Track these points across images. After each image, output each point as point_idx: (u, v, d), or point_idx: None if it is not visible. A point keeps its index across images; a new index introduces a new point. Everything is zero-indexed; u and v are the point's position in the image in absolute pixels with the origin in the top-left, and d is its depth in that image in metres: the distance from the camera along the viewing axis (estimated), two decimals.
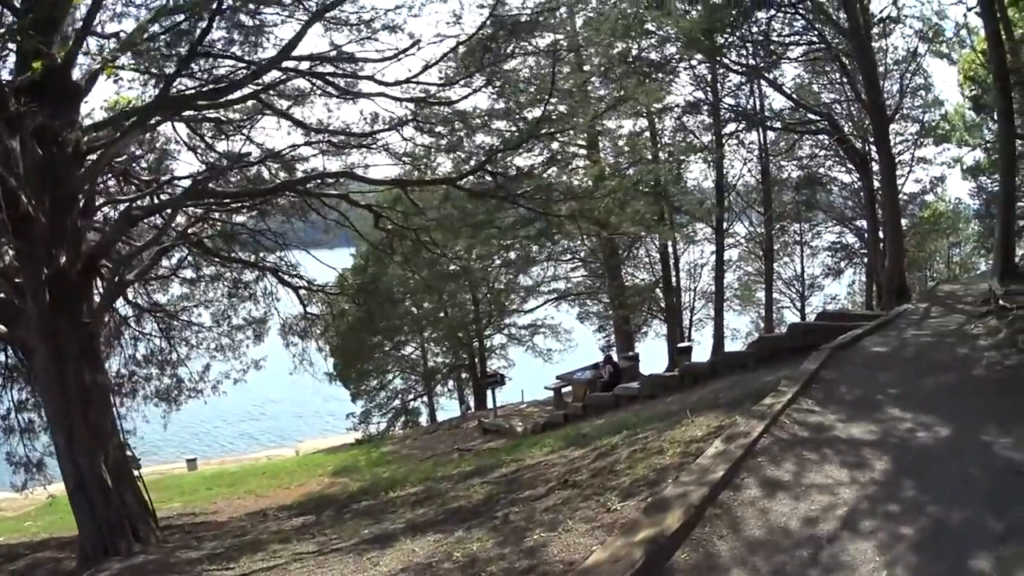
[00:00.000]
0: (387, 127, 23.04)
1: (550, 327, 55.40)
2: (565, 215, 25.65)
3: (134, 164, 24.50)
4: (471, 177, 23.59)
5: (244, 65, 20.69)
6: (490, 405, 43.42)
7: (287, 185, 23.14)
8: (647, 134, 49.40)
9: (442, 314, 53.11)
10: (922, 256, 53.80)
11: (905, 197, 48.46)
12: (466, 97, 22.45)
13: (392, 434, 49.98)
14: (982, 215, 50.69)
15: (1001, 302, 18.99)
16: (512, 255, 49.73)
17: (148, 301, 27.34)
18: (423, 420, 55.31)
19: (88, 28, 17.42)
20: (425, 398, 57.22)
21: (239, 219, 27.09)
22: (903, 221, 43.51)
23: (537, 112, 23.26)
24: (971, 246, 55.43)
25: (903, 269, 34.32)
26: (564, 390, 37.54)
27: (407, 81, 21.58)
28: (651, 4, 39.65)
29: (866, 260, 48.19)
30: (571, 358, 52.56)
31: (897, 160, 43.93)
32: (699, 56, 43.47)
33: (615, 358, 38.18)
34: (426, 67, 21.42)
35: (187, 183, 23.05)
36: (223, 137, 24.78)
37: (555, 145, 27.93)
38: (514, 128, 25.16)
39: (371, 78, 21.68)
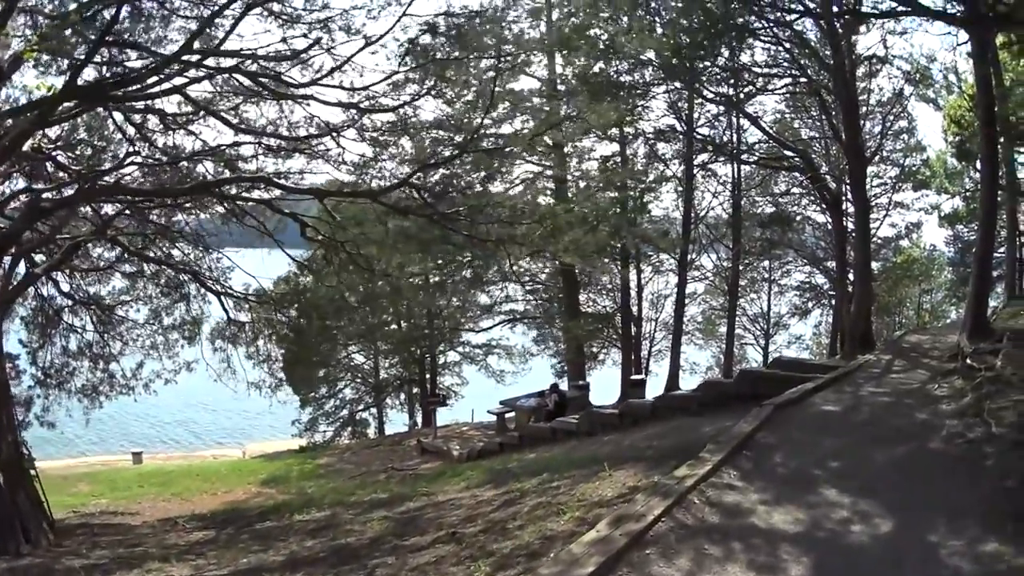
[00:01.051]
0: (320, 132, 22.80)
1: (505, 348, 53.83)
2: (492, 240, 24.50)
3: (68, 153, 23.81)
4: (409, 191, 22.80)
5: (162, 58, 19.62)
6: (437, 424, 42.62)
7: (202, 187, 22.54)
8: (618, 159, 48.29)
9: (394, 326, 51.49)
10: (892, 301, 52.79)
11: (879, 241, 48.13)
12: (407, 103, 21.94)
13: (336, 444, 49.41)
14: (956, 263, 50.01)
15: (968, 361, 17.47)
16: (467, 273, 47.85)
17: (84, 294, 27.13)
18: (371, 432, 54.14)
19: (9, 12, 16.79)
20: (375, 410, 55.43)
21: (177, 218, 26.91)
22: (875, 265, 43.95)
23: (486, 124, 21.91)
24: (943, 294, 54.69)
25: (869, 316, 33.23)
26: (508, 415, 36.46)
27: (345, 88, 21.29)
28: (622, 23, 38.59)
29: (833, 303, 46.52)
30: (525, 380, 51.88)
31: (873, 203, 43.46)
32: (675, 83, 42.21)
33: (562, 387, 37.53)
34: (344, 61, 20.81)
35: (123, 174, 23.20)
36: (168, 131, 24.09)
37: (515, 164, 26.35)
38: (452, 140, 24.45)
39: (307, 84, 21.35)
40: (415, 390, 54.41)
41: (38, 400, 27.73)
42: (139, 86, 18.93)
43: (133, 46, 20.38)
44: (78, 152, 24.24)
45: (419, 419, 52.60)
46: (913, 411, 14.76)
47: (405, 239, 28.10)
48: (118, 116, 23.64)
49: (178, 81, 19.80)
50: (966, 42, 25.65)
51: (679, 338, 49.81)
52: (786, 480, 10.68)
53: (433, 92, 22.50)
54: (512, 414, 36.25)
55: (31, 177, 23.16)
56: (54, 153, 23.20)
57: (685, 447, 13.34)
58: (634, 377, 43.84)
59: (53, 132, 22.62)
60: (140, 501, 28.86)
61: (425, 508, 15.53)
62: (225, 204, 24.15)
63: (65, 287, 26.71)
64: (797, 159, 41.47)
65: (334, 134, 22.56)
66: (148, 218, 25.89)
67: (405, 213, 23.91)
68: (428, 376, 53.74)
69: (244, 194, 23.95)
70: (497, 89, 21.93)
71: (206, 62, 19.76)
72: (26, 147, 19.22)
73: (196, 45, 19.13)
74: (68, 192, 22.09)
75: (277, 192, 23.84)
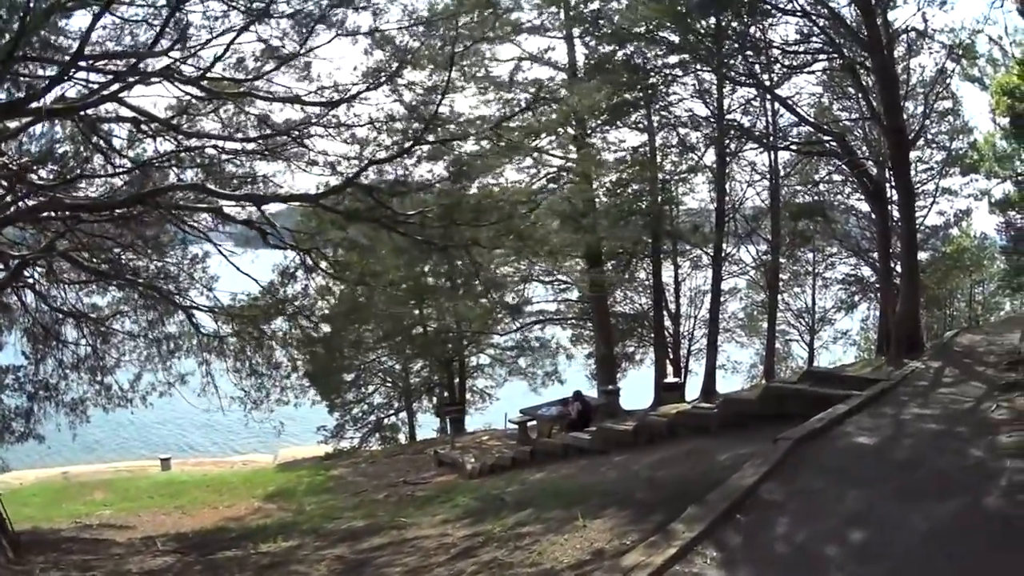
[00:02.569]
0: (276, 131, 22.20)
1: (535, 350, 51.64)
2: (455, 244, 23.61)
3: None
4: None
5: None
6: (459, 432, 42.34)
7: (138, 197, 21.30)
8: (646, 149, 46.35)
9: (419, 329, 49.49)
10: (942, 293, 50.17)
11: (927, 230, 45.97)
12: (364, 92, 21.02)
13: (360, 451, 47.43)
14: (1009, 252, 46.85)
15: None
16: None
17: (72, 307, 26.19)
18: (402, 437, 51.66)
19: None
20: (404, 415, 53.29)
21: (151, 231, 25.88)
22: (922, 255, 41.80)
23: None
24: (995, 284, 51.42)
25: (916, 317, 31.01)
26: (530, 424, 34.95)
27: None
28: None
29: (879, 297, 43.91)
30: (560, 383, 49.50)
31: (919, 190, 41.39)
32: (698, 65, 40.40)
33: (588, 393, 36.21)
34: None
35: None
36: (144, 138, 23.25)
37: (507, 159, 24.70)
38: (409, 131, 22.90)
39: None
40: (445, 393, 52.11)
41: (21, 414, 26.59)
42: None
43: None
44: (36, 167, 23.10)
45: (447, 425, 50.37)
46: (965, 445, 12.35)
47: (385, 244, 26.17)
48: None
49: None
50: None
51: (715, 337, 47.49)
52: (786, 567, 8.26)
53: (388, 83, 21.41)
54: (534, 423, 34.75)
55: None
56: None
57: (685, 488, 11.87)
58: (669, 380, 42.89)
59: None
60: (140, 514, 28.47)
61: (386, 548, 14.90)
62: (173, 214, 23.08)
63: (58, 300, 25.53)
64: (834, 144, 38.77)
65: (295, 132, 21.82)
66: (104, 232, 24.96)
67: (349, 218, 22.81)
68: (456, 380, 51.44)
69: (190, 204, 22.95)
70: (473, 73, 20.20)
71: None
72: None
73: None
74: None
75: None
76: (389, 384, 52.96)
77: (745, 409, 18.20)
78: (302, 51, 20.26)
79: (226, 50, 19.50)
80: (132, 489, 35.18)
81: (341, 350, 44.66)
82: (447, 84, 20.43)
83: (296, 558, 15.32)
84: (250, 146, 22.89)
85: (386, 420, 52.06)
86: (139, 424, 51.01)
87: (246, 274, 24.82)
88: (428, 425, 53.57)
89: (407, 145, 21.79)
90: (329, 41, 20.24)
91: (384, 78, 20.99)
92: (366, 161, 22.13)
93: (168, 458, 45.97)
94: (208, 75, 20.22)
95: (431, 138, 21.82)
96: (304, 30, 19.96)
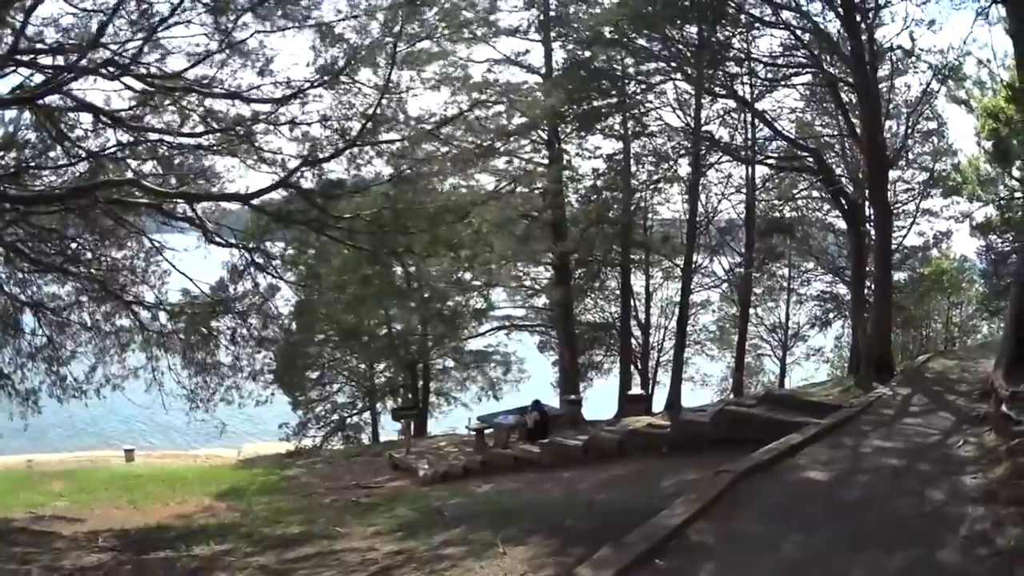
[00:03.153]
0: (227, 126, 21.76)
1: (502, 355, 50.76)
2: (387, 251, 23.90)
3: None
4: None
5: None
6: (430, 433, 43.17)
7: (79, 191, 21.09)
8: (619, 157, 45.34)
9: (384, 331, 48.67)
10: (919, 314, 49.22)
11: (906, 250, 46.04)
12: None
13: (322, 451, 47.11)
14: (989, 275, 45.97)
15: (1004, 408, 13.87)
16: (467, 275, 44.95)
17: (30, 297, 26.29)
18: (365, 438, 51.09)
19: None
20: (368, 415, 52.50)
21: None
22: (900, 276, 42.72)
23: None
24: (973, 307, 50.86)
25: (888, 339, 30.42)
26: (487, 431, 34.27)
27: None
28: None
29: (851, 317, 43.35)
30: (526, 389, 48.18)
31: (899, 210, 41.50)
32: (677, 76, 39.79)
33: (547, 402, 35.65)
34: None
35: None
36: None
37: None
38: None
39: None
40: (409, 396, 51.26)
41: None
42: None
43: None
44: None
45: (412, 427, 49.61)
46: (926, 486, 11.38)
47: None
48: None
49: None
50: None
51: (682, 350, 46.38)
52: None
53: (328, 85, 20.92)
54: (491, 431, 34.17)
55: None
56: None
57: (620, 516, 11.06)
58: (632, 392, 42.55)
59: None
60: (94, 507, 28.10)
61: (311, 559, 14.36)
62: (110, 209, 22.37)
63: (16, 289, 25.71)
64: (811, 160, 38.15)
65: (241, 129, 21.48)
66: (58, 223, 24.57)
67: (279, 219, 22.75)
68: (420, 383, 50.53)
69: (130, 199, 22.10)
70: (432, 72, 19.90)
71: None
72: None
73: None
74: None
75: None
76: (354, 384, 52.37)
77: (698, 431, 17.61)
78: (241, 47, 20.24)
79: (142, 45, 19.49)
80: (91, 480, 35.01)
81: (300, 348, 44.23)
82: (386, 83, 20.02)
83: (222, 564, 14.78)
84: (204, 142, 22.59)
85: (349, 420, 51.36)
86: (123, 412, 50.83)
87: (181, 272, 24.67)
88: (393, 426, 52.89)
89: (340, 146, 21.15)
90: (276, 31, 20.17)
91: (328, 77, 20.45)
92: (300, 160, 21.53)
93: (131, 449, 45.67)
94: (154, 69, 20.20)
95: (369, 139, 21.47)
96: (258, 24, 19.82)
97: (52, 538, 20.02)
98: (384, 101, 20.50)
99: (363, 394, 52.25)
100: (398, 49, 20.10)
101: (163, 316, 26.59)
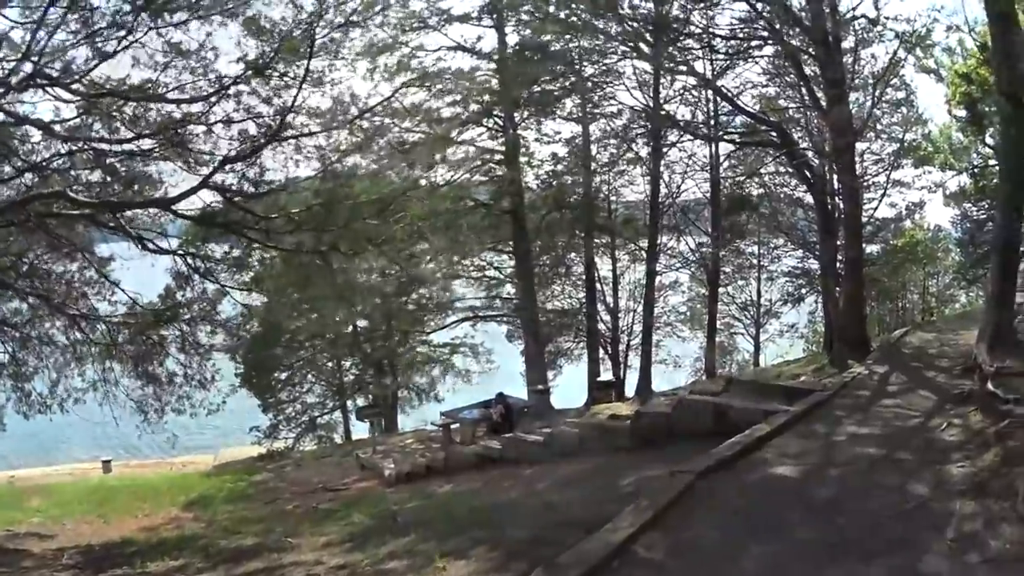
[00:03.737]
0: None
1: (470, 347, 49.91)
2: (307, 250, 23.40)
3: None
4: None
5: None
6: (400, 430, 43.20)
7: (14, 205, 20.45)
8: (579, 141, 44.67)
9: (349, 328, 47.96)
10: (895, 286, 48.63)
11: (877, 222, 45.05)
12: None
13: (294, 452, 46.36)
14: (965, 244, 45.54)
15: (990, 386, 12.82)
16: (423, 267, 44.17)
17: None
18: (338, 437, 50.21)
19: None
20: (339, 413, 51.78)
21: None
22: (873, 248, 42.26)
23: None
24: (950, 276, 50.41)
25: (862, 315, 29.60)
26: (453, 427, 33.49)
27: None
28: None
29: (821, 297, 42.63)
30: (497, 380, 47.24)
31: (870, 182, 41.46)
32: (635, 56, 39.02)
33: (514, 394, 35.74)
34: None
35: None
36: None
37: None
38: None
39: None
40: (371, 396, 50.55)
41: None
42: None
43: None
44: None
45: (380, 425, 48.86)
46: (907, 477, 10.37)
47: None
48: None
49: None
50: None
51: (650, 333, 46.35)
52: None
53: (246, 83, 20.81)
54: (457, 425, 33.48)
55: None
56: None
57: (574, 522, 10.41)
58: (601, 379, 42.08)
59: None
60: (66, 522, 27.80)
61: (258, 574, 14.22)
62: (42, 222, 22.12)
63: None
64: (773, 133, 37.24)
65: (172, 132, 21.09)
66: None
67: (200, 222, 22.76)
68: (389, 379, 49.76)
69: (64, 212, 22.07)
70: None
71: None
72: None
73: None
74: None
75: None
76: (323, 383, 51.75)
77: (661, 423, 16.79)
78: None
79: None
80: (66, 495, 34.72)
81: (264, 350, 44.09)
82: (305, 73, 19.79)
83: None
84: (139, 147, 22.10)
85: (320, 420, 50.67)
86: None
87: (113, 283, 24.96)
88: (362, 425, 52.34)
89: (262, 142, 20.95)
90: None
91: (250, 72, 20.25)
92: (218, 160, 21.16)
93: (109, 460, 45.07)
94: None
95: (291, 134, 21.33)
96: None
97: (23, 556, 20.32)
98: (305, 94, 20.53)
99: (332, 393, 51.61)
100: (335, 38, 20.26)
101: (109, 328, 26.04)
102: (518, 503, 15.29)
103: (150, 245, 22.42)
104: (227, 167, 21.09)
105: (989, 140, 35.79)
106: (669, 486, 9.80)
